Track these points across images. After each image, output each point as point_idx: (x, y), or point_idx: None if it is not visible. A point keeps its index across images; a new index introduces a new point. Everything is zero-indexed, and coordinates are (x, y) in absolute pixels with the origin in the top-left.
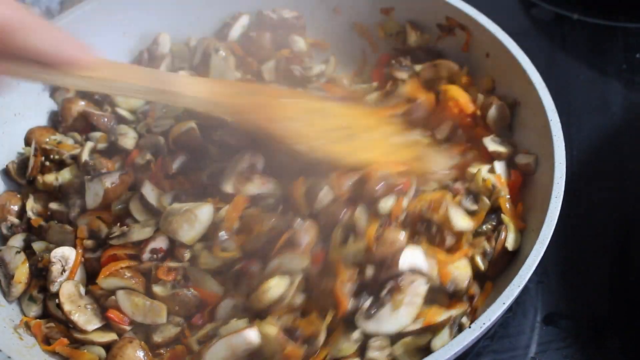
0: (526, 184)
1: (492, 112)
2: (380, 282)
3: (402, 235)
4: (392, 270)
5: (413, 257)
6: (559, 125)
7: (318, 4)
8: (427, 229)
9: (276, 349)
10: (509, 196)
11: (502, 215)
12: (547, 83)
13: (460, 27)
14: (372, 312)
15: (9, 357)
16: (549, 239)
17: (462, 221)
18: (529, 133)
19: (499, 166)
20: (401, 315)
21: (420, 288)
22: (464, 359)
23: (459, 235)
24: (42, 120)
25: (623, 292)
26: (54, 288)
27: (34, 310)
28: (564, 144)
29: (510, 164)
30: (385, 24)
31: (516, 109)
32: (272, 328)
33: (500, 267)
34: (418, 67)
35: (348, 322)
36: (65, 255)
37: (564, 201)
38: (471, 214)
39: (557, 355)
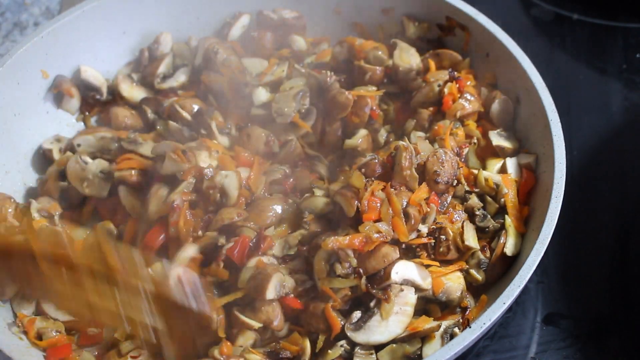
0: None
1: (496, 106)
2: (369, 294)
3: (395, 250)
4: (384, 282)
5: (405, 269)
6: (559, 125)
7: (318, 4)
8: (435, 237)
9: None
10: (513, 195)
11: (506, 217)
12: (547, 83)
13: (460, 27)
14: (362, 323)
15: (10, 358)
16: (549, 239)
17: (472, 240)
18: (529, 133)
19: (510, 164)
20: (391, 324)
21: (409, 297)
22: (464, 359)
23: (465, 250)
24: (41, 120)
25: (623, 292)
26: None
27: (26, 308)
28: (564, 144)
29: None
30: (385, 25)
31: (516, 108)
32: (256, 356)
33: (499, 271)
34: (419, 59)
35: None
36: None
37: (563, 201)
38: (482, 231)
39: (557, 355)
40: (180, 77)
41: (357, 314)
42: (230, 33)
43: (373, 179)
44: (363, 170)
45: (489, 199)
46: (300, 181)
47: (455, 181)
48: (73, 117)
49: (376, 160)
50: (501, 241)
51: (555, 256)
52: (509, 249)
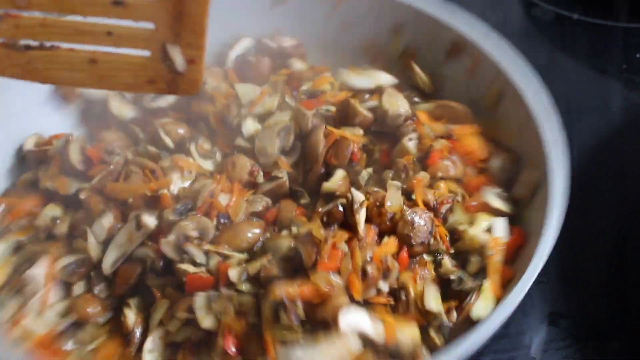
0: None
1: (496, 162)
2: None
3: (346, 300)
4: (333, 330)
5: (356, 319)
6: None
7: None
8: (395, 294)
9: None
10: (498, 260)
11: (484, 281)
12: (547, 83)
13: (467, 51)
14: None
15: None
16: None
17: (434, 302)
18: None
19: (499, 224)
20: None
21: (353, 344)
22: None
23: (424, 312)
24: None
25: (622, 292)
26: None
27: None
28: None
29: (513, 221)
30: (391, 46)
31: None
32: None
33: (462, 332)
34: (407, 106)
35: None
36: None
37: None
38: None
39: (557, 355)
40: (170, 98)
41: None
42: (229, 55)
43: (336, 226)
44: (325, 218)
45: (471, 258)
46: (283, 213)
47: (432, 238)
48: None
49: (340, 208)
50: (470, 302)
51: (556, 256)
52: (476, 313)
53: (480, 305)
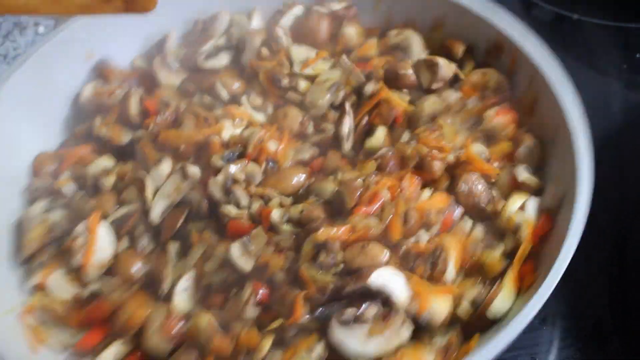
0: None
1: (523, 149)
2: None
3: (385, 254)
4: (361, 281)
5: (388, 278)
6: (591, 166)
7: None
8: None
9: (206, 339)
10: (526, 247)
11: (506, 273)
12: None
13: (507, 51)
14: (350, 323)
15: None
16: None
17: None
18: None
19: (532, 205)
20: (371, 344)
21: (404, 333)
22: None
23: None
24: None
25: (622, 292)
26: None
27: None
28: (589, 198)
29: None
30: (431, 36)
31: (550, 147)
32: (205, 318)
33: (476, 328)
34: (467, 70)
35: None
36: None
37: None
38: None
39: (557, 355)
40: (224, 59)
41: (352, 311)
42: (281, 21)
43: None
44: (378, 162)
45: (505, 238)
46: (329, 162)
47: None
48: None
49: (391, 154)
50: (489, 296)
51: None
52: (492, 312)
53: (499, 302)
